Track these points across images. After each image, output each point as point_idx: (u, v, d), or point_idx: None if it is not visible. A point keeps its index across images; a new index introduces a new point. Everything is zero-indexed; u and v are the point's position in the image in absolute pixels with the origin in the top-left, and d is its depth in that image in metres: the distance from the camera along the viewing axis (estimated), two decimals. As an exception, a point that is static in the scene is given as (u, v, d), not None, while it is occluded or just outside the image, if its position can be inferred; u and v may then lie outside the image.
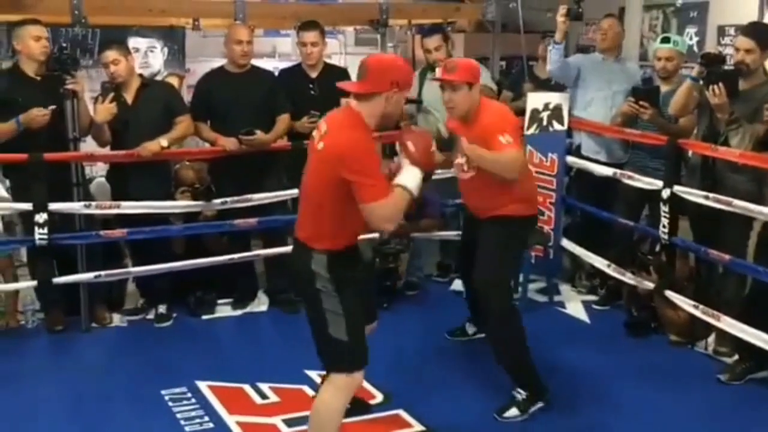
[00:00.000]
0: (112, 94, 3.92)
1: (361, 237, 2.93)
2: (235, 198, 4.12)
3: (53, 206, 3.77)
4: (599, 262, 4.24)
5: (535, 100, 4.49)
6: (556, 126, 4.39)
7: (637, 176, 3.99)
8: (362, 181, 2.37)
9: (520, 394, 3.17)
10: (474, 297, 3.56)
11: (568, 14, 4.32)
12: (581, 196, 4.51)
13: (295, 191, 4.17)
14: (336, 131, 2.48)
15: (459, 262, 3.99)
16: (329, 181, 2.45)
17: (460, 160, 3.30)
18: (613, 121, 4.26)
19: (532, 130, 4.45)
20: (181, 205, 4.17)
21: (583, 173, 4.46)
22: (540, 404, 3.18)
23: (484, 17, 5.41)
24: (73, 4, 4.37)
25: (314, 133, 2.60)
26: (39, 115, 3.70)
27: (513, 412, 3.15)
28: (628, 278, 4.03)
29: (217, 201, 4.14)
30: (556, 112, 4.38)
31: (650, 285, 3.90)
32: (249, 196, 4.13)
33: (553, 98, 4.42)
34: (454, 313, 4.34)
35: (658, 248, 3.97)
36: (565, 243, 4.50)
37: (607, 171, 4.19)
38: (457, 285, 4.72)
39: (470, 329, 3.94)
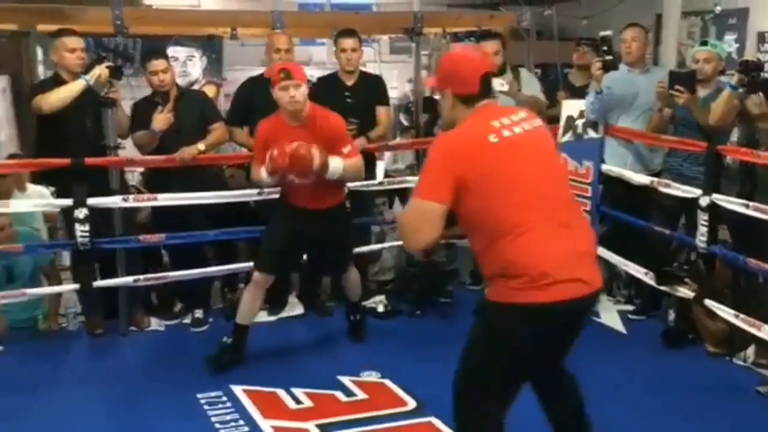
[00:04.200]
0: (170, 104, 4.04)
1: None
2: (272, 189, 4.13)
3: (92, 201, 3.86)
4: (636, 271, 4.19)
5: (570, 107, 4.46)
6: (591, 133, 4.36)
7: (675, 185, 3.94)
8: None
9: None
10: None
11: (605, 67, 4.15)
12: (614, 204, 4.45)
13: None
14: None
15: None
16: None
17: None
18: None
19: (566, 138, 4.43)
20: (226, 195, 4.26)
21: (615, 181, 4.39)
22: None
23: (518, 24, 5.39)
24: (115, 14, 4.48)
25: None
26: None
27: None
28: (668, 288, 3.97)
29: (253, 191, 4.19)
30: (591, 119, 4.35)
31: (689, 294, 3.84)
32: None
33: (589, 106, 4.38)
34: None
35: (693, 257, 3.91)
36: (601, 252, 4.45)
37: (644, 179, 4.14)
38: (491, 293, 4.70)
39: None
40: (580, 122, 4.38)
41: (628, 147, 4.36)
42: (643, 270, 4.12)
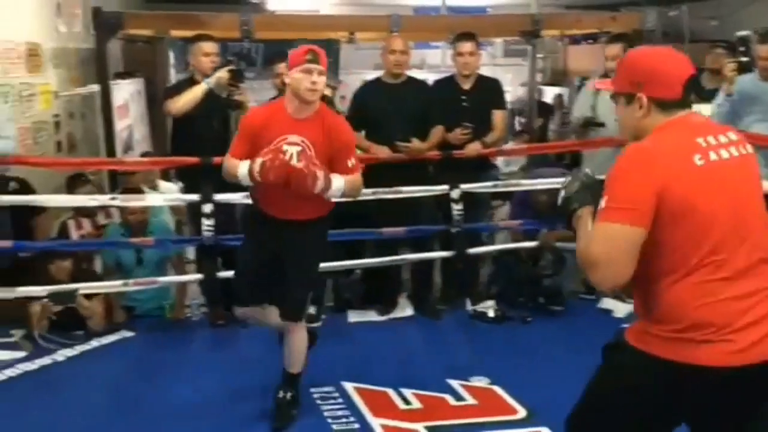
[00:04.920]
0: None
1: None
2: (386, 189, 4.19)
3: (218, 197, 4.05)
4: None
5: (699, 111, 4.25)
6: (720, 140, 4.14)
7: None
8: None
9: None
10: None
11: (739, 69, 3.92)
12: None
13: (443, 187, 4.26)
14: None
15: None
16: None
17: None
18: None
19: (693, 144, 4.22)
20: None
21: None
22: None
23: (642, 26, 5.20)
24: (243, 20, 4.69)
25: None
26: (223, 76, 4.06)
27: None
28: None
29: (368, 191, 4.26)
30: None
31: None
32: (399, 188, 4.21)
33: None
34: (600, 331, 4.18)
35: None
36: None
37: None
38: (606, 303, 4.57)
39: None
40: (707, 128, 4.17)
41: (761, 154, 4.10)
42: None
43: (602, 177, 1.88)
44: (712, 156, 1.79)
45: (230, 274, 4.17)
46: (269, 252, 3.06)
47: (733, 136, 1.87)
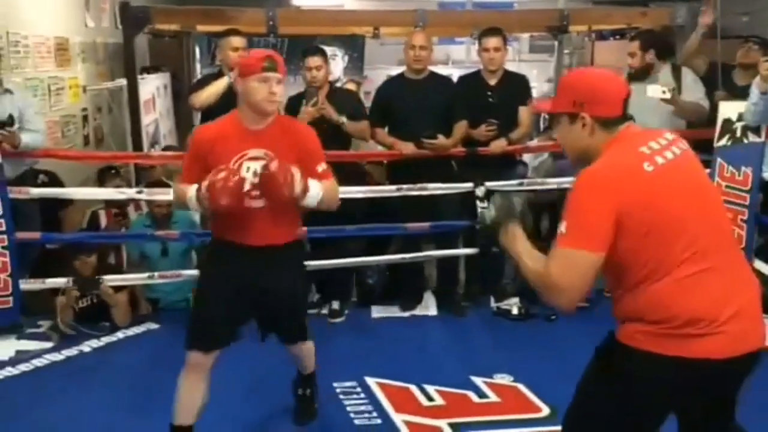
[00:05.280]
0: (315, 99, 4.12)
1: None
2: (411, 186, 4.19)
3: None
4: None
5: (729, 109, 4.18)
6: (752, 137, 4.07)
7: None
8: None
9: None
10: None
11: None
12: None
13: (467, 185, 4.23)
14: None
15: None
16: None
17: None
18: None
19: (723, 142, 4.16)
20: (364, 190, 4.33)
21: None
22: None
23: (672, 22, 5.11)
24: (269, 15, 4.69)
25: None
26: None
27: None
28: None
29: (392, 187, 4.25)
30: (752, 123, 4.05)
31: None
32: (424, 185, 4.20)
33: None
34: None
35: None
36: (758, 265, 4.15)
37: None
38: (632, 302, 4.52)
39: None
40: (739, 125, 4.10)
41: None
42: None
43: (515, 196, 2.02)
44: (659, 160, 1.85)
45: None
46: (240, 285, 2.67)
47: (669, 136, 1.96)
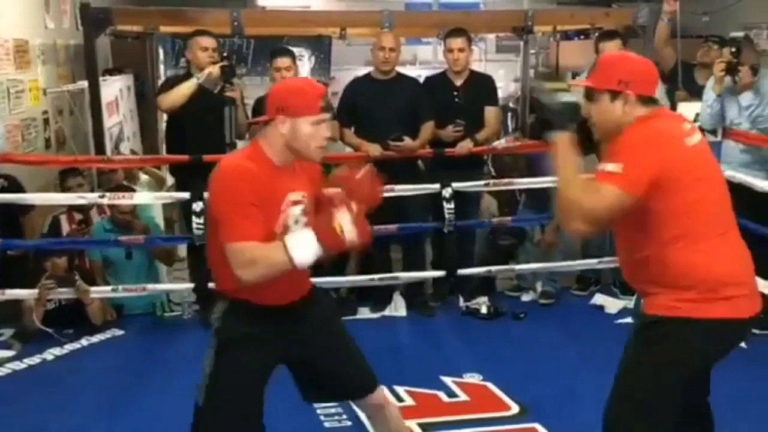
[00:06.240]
0: None
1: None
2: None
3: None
4: (764, 287, 3.93)
5: (687, 110, 4.25)
6: (709, 137, 4.13)
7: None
8: None
9: None
10: None
11: (729, 70, 3.94)
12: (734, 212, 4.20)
13: (434, 186, 4.21)
14: None
15: None
16: None
17: None
18: None
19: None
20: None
21: (735, 188, 4.13)
22: None
23: (635, 22, 5.18)
24: (234, 15, 4.65)
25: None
26: (214, 72, 4.00)
27: None
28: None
29: None
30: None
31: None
32: (391, 186, 4.18)
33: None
34: (592, 328, 4.21)
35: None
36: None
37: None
38: (598, 299, 4.57)
39: None
40: (696, 126, 4.17)
41: (751, 152, 4.11)
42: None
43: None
44: (692, 140, 2.08)
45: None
46: (276, 357, 2.27)
47: (691, 124, 2.19)
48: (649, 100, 2.09)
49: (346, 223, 1.99)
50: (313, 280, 2.42)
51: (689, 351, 2.02)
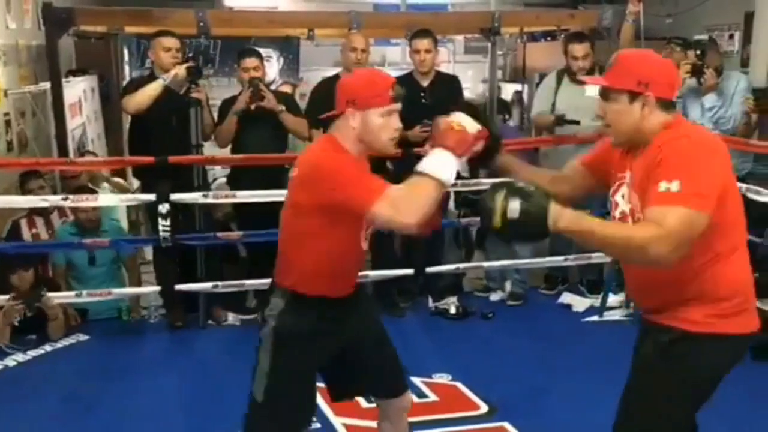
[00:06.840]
0: (252, 89, 4.08)
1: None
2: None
3: (174, 196, 3.93)
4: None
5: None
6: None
7: (765, 191, 3.77)
8: None
9: None
10: None
11: (694, 72, 4.00)
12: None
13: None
14: None
15: None
16: None
17: (622, 206, 2.04)
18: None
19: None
20: None
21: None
22: None
23: (599, 24, 5.25)
24: (200, 16, 4.60)
25: None
26: (180, 72, 3.97)
27: None
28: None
29: None
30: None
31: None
32: None
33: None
34: (560, 327, 4.26)
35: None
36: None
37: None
38: (565, 298, 4.61)
39: None
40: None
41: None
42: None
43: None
44: None
45: (191, 287, 4.11)
46: (334, 348, 2.25)
47: None
48: (669, 104, 1.93)
49: (461, 120, 1.99)
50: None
51: (714, 369, 1.97)
